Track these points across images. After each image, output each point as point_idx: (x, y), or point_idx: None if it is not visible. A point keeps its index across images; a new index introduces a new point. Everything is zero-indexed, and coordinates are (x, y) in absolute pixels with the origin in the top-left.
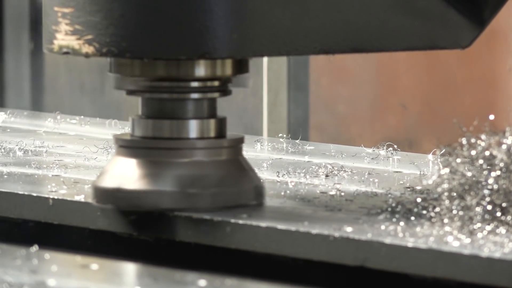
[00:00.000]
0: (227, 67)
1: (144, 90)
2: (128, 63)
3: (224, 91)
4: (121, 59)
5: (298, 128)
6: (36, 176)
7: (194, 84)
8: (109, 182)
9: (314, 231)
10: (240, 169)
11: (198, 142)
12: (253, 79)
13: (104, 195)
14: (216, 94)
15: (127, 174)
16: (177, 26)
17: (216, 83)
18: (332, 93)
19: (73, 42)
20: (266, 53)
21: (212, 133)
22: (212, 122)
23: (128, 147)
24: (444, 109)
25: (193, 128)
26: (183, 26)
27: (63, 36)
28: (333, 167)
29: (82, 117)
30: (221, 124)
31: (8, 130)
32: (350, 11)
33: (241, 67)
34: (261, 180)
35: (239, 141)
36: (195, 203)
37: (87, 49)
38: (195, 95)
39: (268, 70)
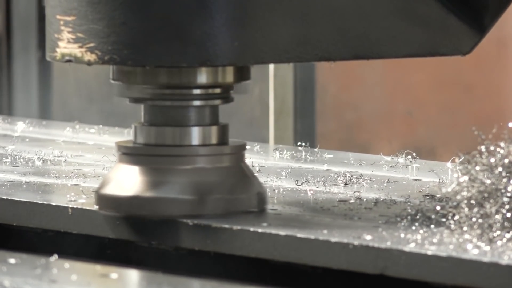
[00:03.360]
0: (229, 75)
1: (146, 97)
2: (130, 71)
3: (226, 98)
4: (123, 67)
5: (305, 136)
6: (55, 185)
7: (196, 91)
8: (119, 190)
9: (334, 239)
10: (242, 175)
11: (201, 149)
12: (259, 87)
13: (115, 203)
14: (218, 101)
15: (132, 182)
16: (178, 33)
17: (218, 90)
18: (339, 101)
19: (75, 50)
20: (267, 60)
21: (214, 140)
22: (214, 129)
23: (132, 154)
24: (452, 116)
25: (195, 135)
26: (185, 34)
27: (65, 44)
28: (352, 175)
29: (100, 126)
30: (223, 131)
31: (27, 139)
32: (351, 18)
33: (242, 74)
34: (264, 187)
35: (241, 147)
36: (197, 209)
37: (89, 57)
38: (197, 102)
39: (274, 77)
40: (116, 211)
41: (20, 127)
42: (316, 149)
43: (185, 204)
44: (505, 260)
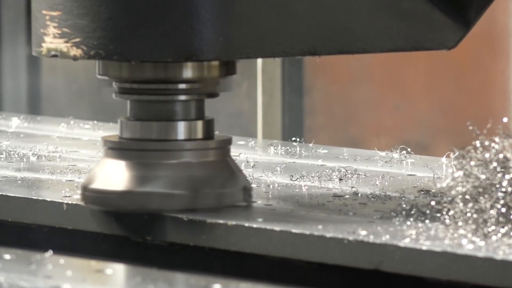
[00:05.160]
0: (214, 69)
1: (132, 92)
2: (116, 66)
3: (211, 93)
4: (109, 61)
5: (293, 131)
6: (49, 181)
7: (182, 86)
8: (107, 185)
9: (328, 234)
10: (228, 170)
11: (186, 143)
12: (247, 82)
13: (103, 198)
14: (203, 96)
15: (120, 177)
16: (164, 28)
17: (203, 85)
18: (327, 95)
19: (61, 45)
20: (252, 55)
21: (200, 135)
22: (199, 124)
23: (118, 149)
24: (441, 111)
25: (181, 129)
26: (170, 29)
27: (51, 39)
28: (346, 171)
29: (95, 122)
30: (209, 126)
31: (22, 135)
32: (336, 12)
33: (228, 69)
34: (249, 181)
35: (227, 142)
36: (188, 204)
37: (75, 52)
38: (182, 97)
39: (262, 72)
40: (103, 206)
41: (15, 122)
42: (310, 145)
43: (176, 198)
44: (499, 255)
